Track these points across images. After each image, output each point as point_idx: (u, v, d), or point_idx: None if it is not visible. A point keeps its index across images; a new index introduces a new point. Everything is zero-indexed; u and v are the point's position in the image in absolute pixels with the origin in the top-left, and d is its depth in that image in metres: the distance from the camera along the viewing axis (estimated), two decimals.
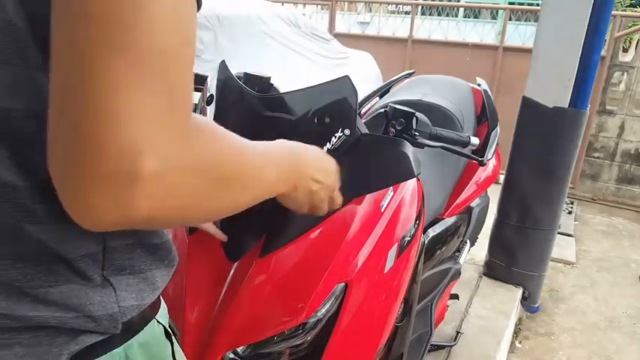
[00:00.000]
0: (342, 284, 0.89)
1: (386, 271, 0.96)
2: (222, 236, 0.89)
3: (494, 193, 2.24)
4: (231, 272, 0.91)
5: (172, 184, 0.39)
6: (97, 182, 0.36)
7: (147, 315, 0.57)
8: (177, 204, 0.40)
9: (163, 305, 0.65)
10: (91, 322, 0.48)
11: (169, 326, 0.63)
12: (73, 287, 0.47)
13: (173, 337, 0.62)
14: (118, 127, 0.35)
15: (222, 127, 0.46)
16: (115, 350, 0.52)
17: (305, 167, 0.63)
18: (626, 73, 3.91)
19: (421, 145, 1.06)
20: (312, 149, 0.68)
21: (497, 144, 1.76)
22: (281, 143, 0.62)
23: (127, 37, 0.35)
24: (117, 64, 0.35)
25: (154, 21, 0.36)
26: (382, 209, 0.97)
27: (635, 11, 5.84)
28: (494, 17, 7.74)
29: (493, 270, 2.49)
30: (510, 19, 4.41)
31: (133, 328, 0.55)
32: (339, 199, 0.76)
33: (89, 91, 0.35)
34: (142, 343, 0.56)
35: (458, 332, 2.04)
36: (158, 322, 0.60)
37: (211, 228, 0.87)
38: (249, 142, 0.50)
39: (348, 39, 4.57)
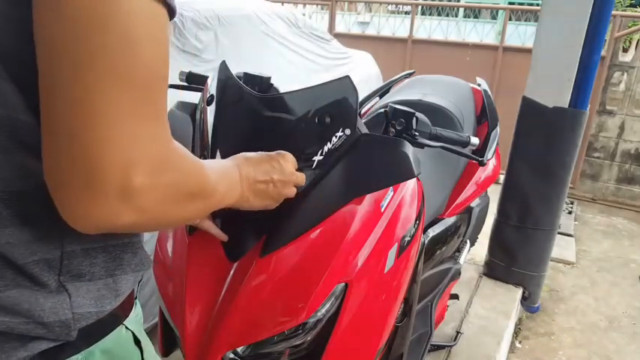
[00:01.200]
0: (342, 284, 0.89)
1: (386, 271, 0.96)
2: (223, 236, 0.89)
3: (495, 193, 2.24)
4: (231, 272, 0.91)
5: (157, 195, 0.44)
6: (92, 198, 0.41)
7: (112, 321, 0.56)
8: (157, 212, 0.46)
9: (138, 311, 0.64)
10: (42, 328, 0.48)
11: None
12: (24, 292, 0.46)
13: (143, 344, 0.61)
14: (112, 150, 0.40)
15: (183, 147, 0.50)
16: (73, 357, 0.52)
17: (245, 176, 0.68)
18: (626, 73, 3.91)
19: (421, 145, 1.06)
20: (252, 156, 0.72)
21: (497, 144, 1.76)
22: (227, 160, 0.68)
23: (117, 67, 0.39)
24: (107, 94, 0.39)
25: (140, 50, 0.40)
26: (382, 209, 0.97)
27: (635, 11, 5.84)
28: (494, 17, 7.74)
29: (493, 270, 2.49)
30: (510, 19, 4.41)
31: (93, 334, 0.54)
32: (299, 181, 0.80)
33: (83, 118, 0.39)
34: (105, 350, 0.55)
35: (458, 332, 2.04)
36: (127, 328, 0.59)
37: (212, 228, 0.87)
38: (204, 162, 0.56)
39: (348, 39, 4.57)
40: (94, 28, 0.37)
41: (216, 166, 0.62)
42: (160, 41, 0.42)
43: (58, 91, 0.39)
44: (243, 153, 0.72)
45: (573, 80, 2.06)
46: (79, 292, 0.50)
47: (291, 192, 0.79)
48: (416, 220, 1.08)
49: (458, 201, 1.66)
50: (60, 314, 0.49)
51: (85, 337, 0.53)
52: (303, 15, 4.96)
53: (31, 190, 0.45)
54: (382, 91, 1.91)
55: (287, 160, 0.77)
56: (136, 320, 0.62)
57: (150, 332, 1.94)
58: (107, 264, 0.53)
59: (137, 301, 0.66)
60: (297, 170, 0.86)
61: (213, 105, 0.91)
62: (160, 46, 0.42)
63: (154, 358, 0.66)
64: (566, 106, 2.09)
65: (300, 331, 0.89)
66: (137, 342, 0.60)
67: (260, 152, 0.75)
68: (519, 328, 2.43)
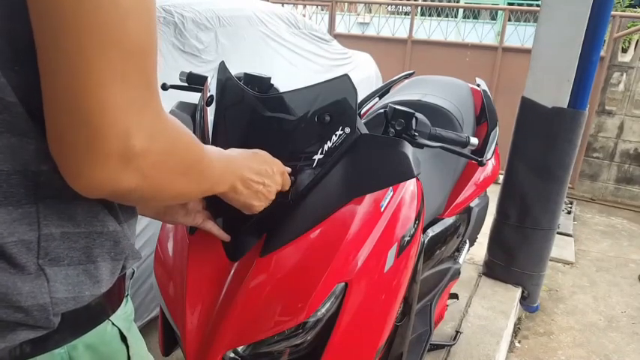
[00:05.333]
0: (342, 284, 0.89)
1: (386, 270, 0.96)
2: (225, 236, 0.89)
3: (494, 193, 2.25)
4: (232, 272, 0.92)
5: (155, 159, 0.47)
6: (96, 160, 0.43)
7: (96, 314, 0.56)
8: (155, 178, 0.48)
9: (128, 308, 0.64)
10: (20, 312, 0.48)
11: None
12: (2, 276, 0.47)
13: (130, 341, 0.61)
14: (113, 114, 0.43)
15: (177, 120, 0.53)
16: (56, 350, 0.52)
17: (241, 170, 0.70)
18: (625, 74, 3.92)
19: (420, 146, 1.06)
20: (253, 155, 0.75)
21: (497, 144, 1.76)
22: (224, 150, 0.69)
23: (108, 35, 0.41)
24: (104, 63, 0.42)
25: (130, 19, 0.42)
26: (382, 209, 0.97)
27: (635, 11, 5.85)
28: (493, 18, 7.74)
29: (492, 270, 2.50)
30: (509, 20, 4.41)
31: (77, 326, 0.54)
32: (285, 184, 0.83)
33: (82, 88, 0.42)
34: (89, 344, 0.55)
35: (457, 332, 2.05)
36: (113, 324, 0.59)
37: (214, 229, 0.87)
38: (203, 144, 0.58)
39: (347, 40, 4.57)
40: None
41: (216, 150, 0.65)
42: (149, 11, 0.44)
43: (53, 60, 0.42)
44: (243, 149, 0.74)
45: (572, 80, 2.06)
46: (58, 277, 0.50)
47: (272, 197, 0.80)
48: (415, 220, 1.08)
49: (457, 201, 1.66)
50: (38, 298, 0.49)
51: (68, 329, 0.53)
52: (303, 16, 4.96)
53: (9, 170, 0.46)
54: (382, 92, 1.91)
55: (279, 170, 0.80)
56: (124, 317, 0.62)
57: (145, 328, 1.96)
58: (88, 250, 0.53)
59: (128, 298, 0.66)
60: (297, 170, 0.86)
61: (214, 105, 0.91)
62: (149, 16, 0.44)
63: (141, 356, 0.65)
64: (566, 106, 2.10)
65: (300, 331, 0.89)
66: (123, 339, 0.60)
67: (259, 152, 0.77)
68: (518, 328, 2.44)
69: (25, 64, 0.44)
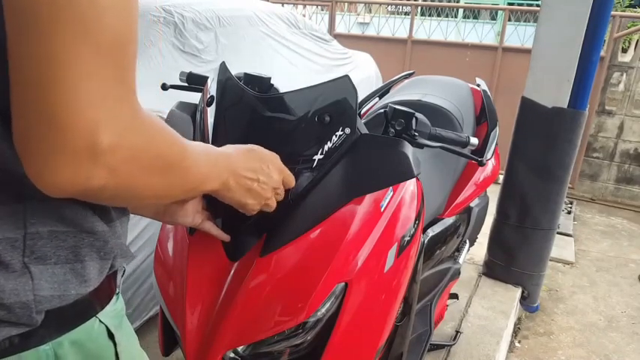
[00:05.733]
0: (342, 284, 0.89)
1: (386, 270, 0.96)
2: (225, 237, 0.89)
3: (494, 193, 2.25)
4: (232, 272, 0.92)
5: (126, 156, 0.45)
6: (62, 156, 0.42)
7: (83, 310, 0.56)
8: (127, 175, 0.46)
9: (119, 304, 0.64)
10: (1, 309, 0.48)
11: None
12: None
13: (118, 339, 0.60)
14: (79, 109, 0.41)
15: (156, 117, 0.51)
16: (41, 347, 0.51)
17: (234, 166, 0.68)
18: (625, 74, 3.92)
19: (420, 146, 1.06)
20: (247, 151, 0.73)
21: (497, 144, 1.76)
22: (216, 147, 0.67)
23: (85, 29, 0.40)
24: (76, 54, 0.40)
25: (107, 13, 0.41)
26: (382, 209, 0.97)
27: (635, 12, 5.85)
28: (493, 18, 7.74)
29: (492, 270, 2.50)
30: (509, 20, 4.41)
31: (62, 322, 0.53)
32: (279, 195, 0.80)
33: (51, 80, 0.40)
34: (75, 341, 0.54)
35: (457, 332, 2.05)
36: (101, 321, 0.58)
37: (213, 229, 0.87)
38: (189, 141, 0.56)
39: (347, 40, 4.57)
40: None
41: (203, 147, 0.62)
42: (126, 6, 0.43)
43: (24, 52, 0.40)
44: (238, 145, 0.72)
45: (572, 80, 2.06)
46: (43, 275, 0.50)
47: (272, 201, 0.78)
48: (415, 220, 1.08)
49: (457, 201, 1.66)
50: (21, 296, 0.48)
51: (53, 325, 0.52)
52: (303, 16, 4.97)
53: None
54: (382, 92, 1.91)
55: (276, 167, 0.77)
56: (113, 314, 0.61)
57: (145, 327, 1.96)
58: (76, 249, 0.52)
59: (119, 296, 0.65)
60: (296, 171, 0.86)
61: (214, 106, 0.91)
62: (126, 11, 0.43)
63: (131, 354, 0.65)
64: (566, 106, 2.10)
65: (300, 331, 0.89)
66: (111, 336, 0.60)
67: (255, 147, 0.75)
68: (518, 328, 2.44)
69: None
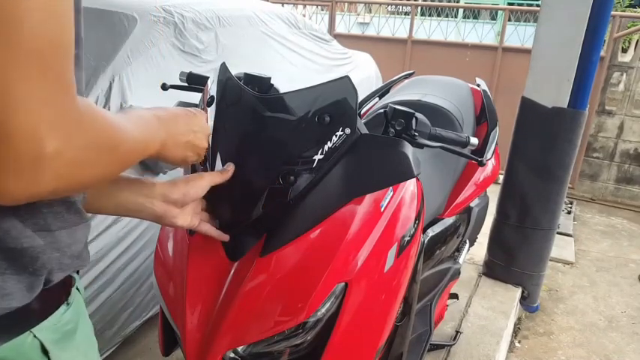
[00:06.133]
0: (342, 284, 0.89)
1: (386, 270, 0.96)
2: (224, 236, 0.89)
3: (494, 193, 2.25)
4: (232, 272, 0.92)
5: (73, 158, 0.45)
6: (7, 166, 0.41)
7: (10, 326, 0.52)
8: (78, 175, 0.47)
9: (65, 317, 0.60)
10: None
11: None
12: None
13: (54, 355, 0.57)
14: (18, 117, 0.40)
15: (93, 104, 0.50)
16: None
17: (165, 125, 0.68)
18: (625, 74, 3.92)
19: (420, 146, 1.06)
20: (168, 109, 0.72)
21: (497, 144, 1.77)
22: (142, 111, 0.67)
23: (11, 34, 0.39)
24: (6, 61, 0.40)
25: (34, 17, 0.40)
26: (382, 209, 0.97)
27: (635, 12, 5.85)
28: (493, 18, 7.74)
29: (492, 270, 2.50)
30: (509, 20, 4.41)
31: None
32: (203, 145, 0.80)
33: None
34: (2, 358, 0.52)
35: (457, 332, 2.05)
36: (35, 336, 0.55)
37: (211, 231, 0.87)
38: (121, 116, 0.57)
39: (347, 40, 4.57)
40: None
41: (136, 118, 0.62)
42: (56, 9, 0.43)
43: None
44: (158, 107, 0.72)
45: (572, 80, 2.06)
46: None
47: (204, 145, 0.79)
48: (415, 220, 1.08)
49: (457, 201, 1.66)
50: None
51: None
52: (303, 16, 4.97)
53: None
54: (382, 92, 1.91)
55: (199, 115, 0.78)
56: (54, 328, 0.57)
57: (144, 326, 1.96)
58: None
59: (70, 305, 0.61)
60: (297, 171, 0.86)
61: (214, 106, 0.91)
62: (57, 14, 0.43)
63: None
64: (566, 106, 2.10)
65: (300, 331, 0.89)
66: (45, 352, 0.56)
67: (178, 112, 0.75)
68: (518, 328, 2.44)
69: None
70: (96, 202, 0.70)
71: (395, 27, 4.77)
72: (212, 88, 0.93)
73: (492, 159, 1.82)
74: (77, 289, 0.63)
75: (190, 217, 0.82)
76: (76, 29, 0.48)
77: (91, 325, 0.66)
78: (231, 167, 0.85)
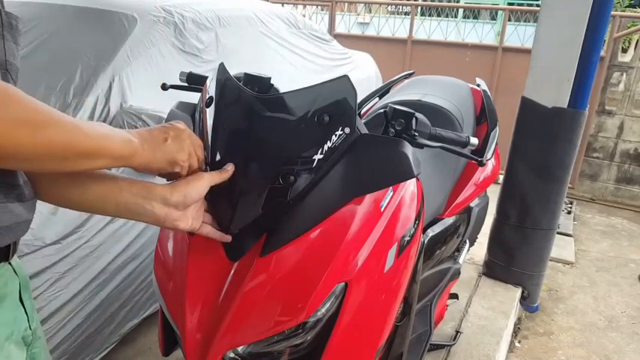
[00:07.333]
0: (342, 284, 0.89)
1: (386, 270, 0.96)
2: (226, 237, 0.89)
3: (494, 193, 2.25)
4: (232, 272, 0.92)
5: None
6: None
7: None
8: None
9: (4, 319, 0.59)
10: None
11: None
12: None
13: None
14: None
15: (13, 87, 0.52)
16: None
17: (140, 133, 0.68)
18: (625, 74, 3.92)
19: (420, 146, 1.06)
20: (148, 128, 0.72)
21: (497, 144, 1.77)
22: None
23: None
24: None
25: None
26: (382, 209, 0.97)
27: (635, 11, 5.85)
28: (493, 18, 7.74)
29: (492, 270, 2.50)
30: (509, 20, 4.41)
31: None
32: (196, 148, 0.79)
33: None
34: None
35: (457, 332, 2.05)
36: None
37: (212, 233, 0.87)
38: (80, 119, 0.58)
39: (347, 40, 4.57)
40: None
41: (96, 123, 0.62)
42: None
43: None
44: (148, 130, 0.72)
45: (572, 80, 2.06)
46: None
47: (184, 157, 0.76)
48: (415, 220, 1.08)
49: (457, 201, 1.66)
50: None
51: None
52: (303, 16, 4.96)
53: None
54: (382, 92, 1.91)
55: (179, 125, 0.76)
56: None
57: (143, 326, 1.96)
58: None
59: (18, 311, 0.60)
60: (296, 171, 0.86)
61: (213, 107, 0.91)
62: None
63: None
64: (566, 106, 2.10)
65: (300, 331, 0.89)
66: None
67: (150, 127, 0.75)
68: (518, 328, 2.44)
69: None
70: (97, 202, 0.70)
71: (395, 27, 4.77)
72: (211, 87, 0.93)
73: (492, 159, 1.82)
74: (15, 272, 0.64)
75: (192, 220, 0.81)
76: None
77: (24, 318, 0.65)
78: (230, 167, 0.85)
